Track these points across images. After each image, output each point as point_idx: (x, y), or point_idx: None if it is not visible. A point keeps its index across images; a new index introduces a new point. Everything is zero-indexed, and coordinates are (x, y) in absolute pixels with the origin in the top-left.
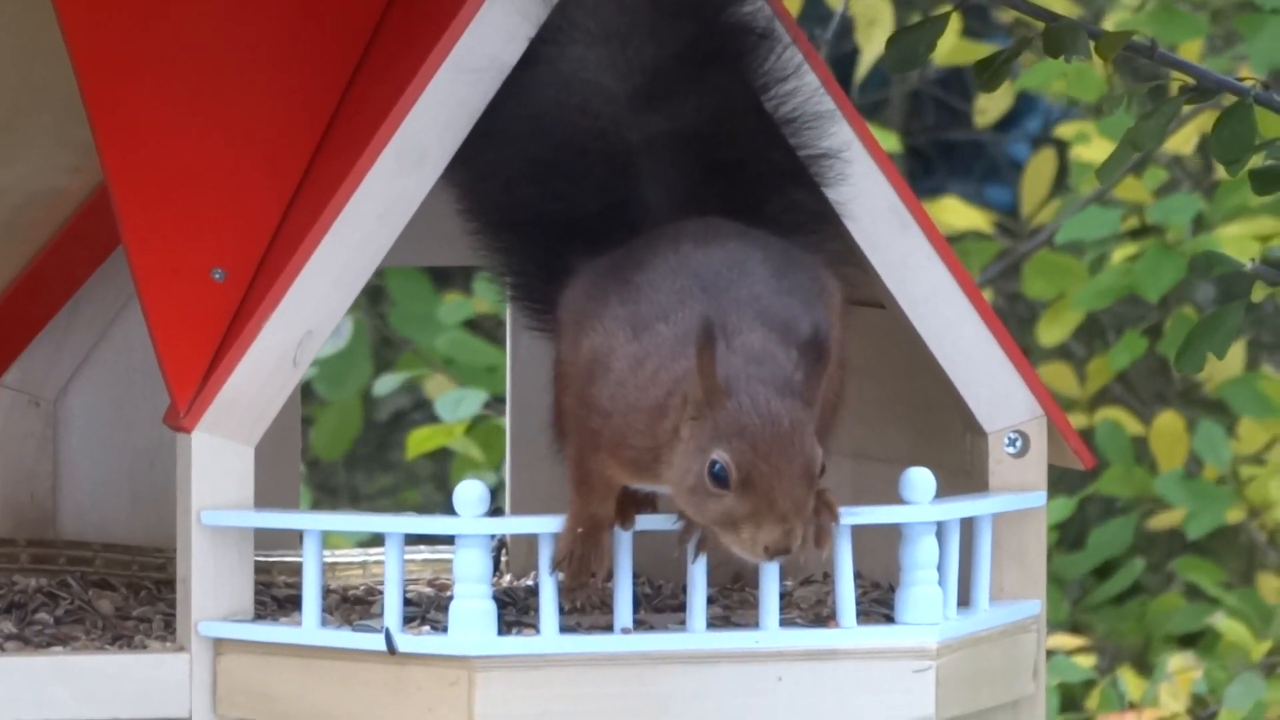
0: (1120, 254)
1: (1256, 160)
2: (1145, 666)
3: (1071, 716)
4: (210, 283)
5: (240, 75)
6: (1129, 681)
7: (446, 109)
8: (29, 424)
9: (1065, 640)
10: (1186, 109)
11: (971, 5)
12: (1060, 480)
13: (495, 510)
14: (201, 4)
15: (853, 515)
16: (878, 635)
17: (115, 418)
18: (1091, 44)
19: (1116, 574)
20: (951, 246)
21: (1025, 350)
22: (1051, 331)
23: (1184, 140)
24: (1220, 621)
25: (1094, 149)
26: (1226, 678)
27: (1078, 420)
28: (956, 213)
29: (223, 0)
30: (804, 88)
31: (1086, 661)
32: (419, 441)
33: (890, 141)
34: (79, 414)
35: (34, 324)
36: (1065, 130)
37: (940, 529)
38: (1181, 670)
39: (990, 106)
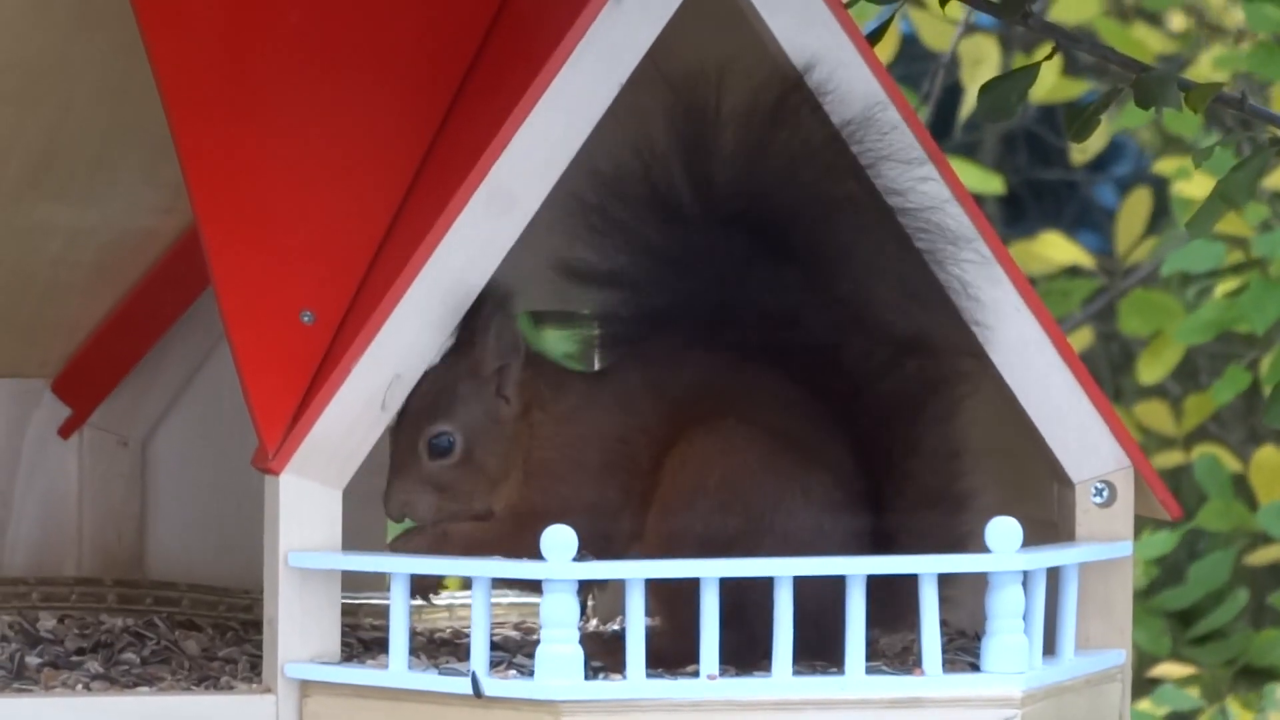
0: (1223, 288)
1: None
2: (1249, 697)
3: None
4: (299, 325)
5: (331, 116)
6: (1236, 711)
7: (538, 153)
8: (117, 464)
9: (1173, 669)
10: None
11: (1065, 47)
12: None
13: (583, 555)
14: (293, 45)
15: (939, 563)
16: (963, 683)
17: (203, 459)
18: (1182, 95)
19: (1219, 607)
20: (1051, 284)
21: (1121, 389)
22: (1152, 369)
23: None
24: None
25: (1195, 184)
26: None
27: (1174, 458)
28: (1057, 248)
29: (314, 42)
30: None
31: (1193, 691)
32: None
33: (994, 184)
34: (167, 455)
35: (123, 364)
36: (1165, 165)
37: (1026, 578)
38: None
39: (1088, 144)
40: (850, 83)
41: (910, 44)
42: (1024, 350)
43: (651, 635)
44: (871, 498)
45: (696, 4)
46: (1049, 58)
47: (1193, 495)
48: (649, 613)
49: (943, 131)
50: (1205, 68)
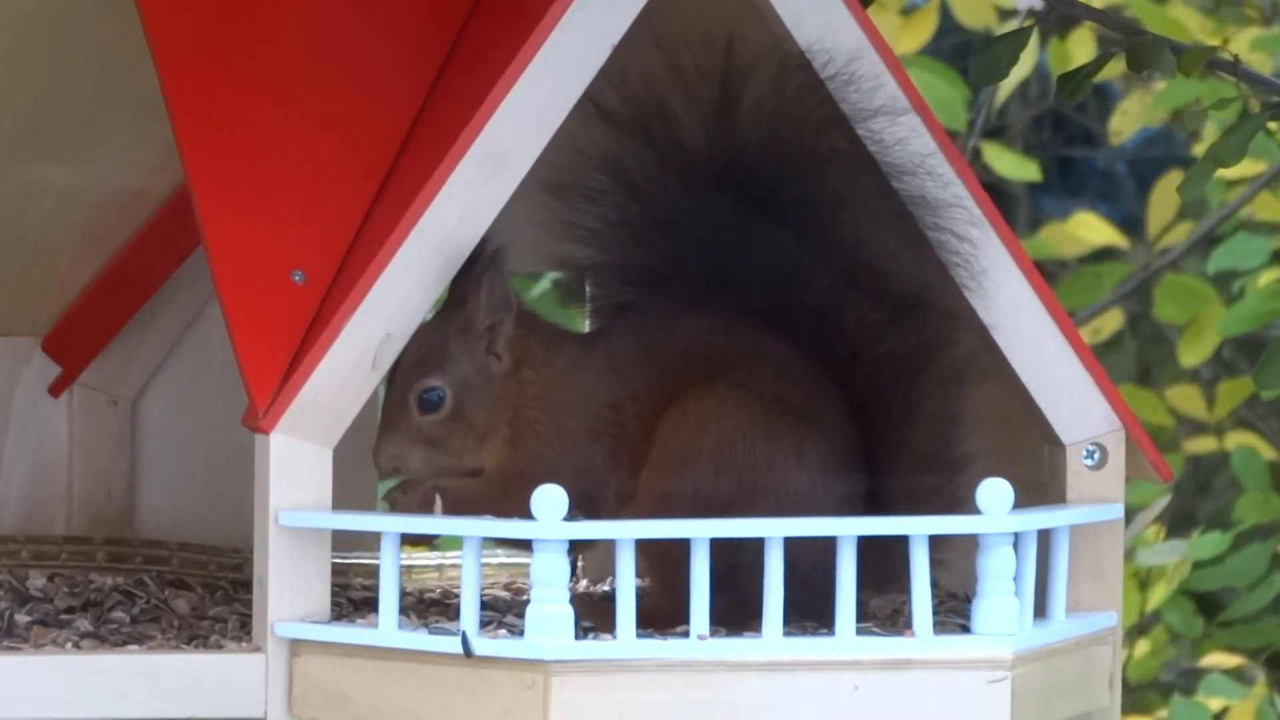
0: (1267, 277)
1: None
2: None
3: None
4: (290, 284)
5: (323, 77)
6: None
7: (530, 113)
8: (107, 423)
9: (1222, 659)
10: None
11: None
12: (1216, 516)
13: (574, 515)
14: (285, 4)
15: (930, 524)
16: (953, 645)
17: (193, 418)
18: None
19: (1251, 593)
20: (1082, 269)
21: (1151, 373)
22: (1192, 352)
23: None
24: None
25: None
26: None
27: (1206, 444)
28: (1092, 228)
29: (306, 2)
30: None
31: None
32: None
33: (1030, 170)
34: (157, 414)
35: (113, 323)
36: (1199, 150)
37: (1017, 540)
38: None
39: (1124, 127)
40: (837, 39)
41: (947, 15)
42: (1016, 312)
43: (642, 596)
44: (867, 461)
45: None
46: (1039, 23)
47: (1229, 485)
48: (640, 573)
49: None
50: (1243, 48)
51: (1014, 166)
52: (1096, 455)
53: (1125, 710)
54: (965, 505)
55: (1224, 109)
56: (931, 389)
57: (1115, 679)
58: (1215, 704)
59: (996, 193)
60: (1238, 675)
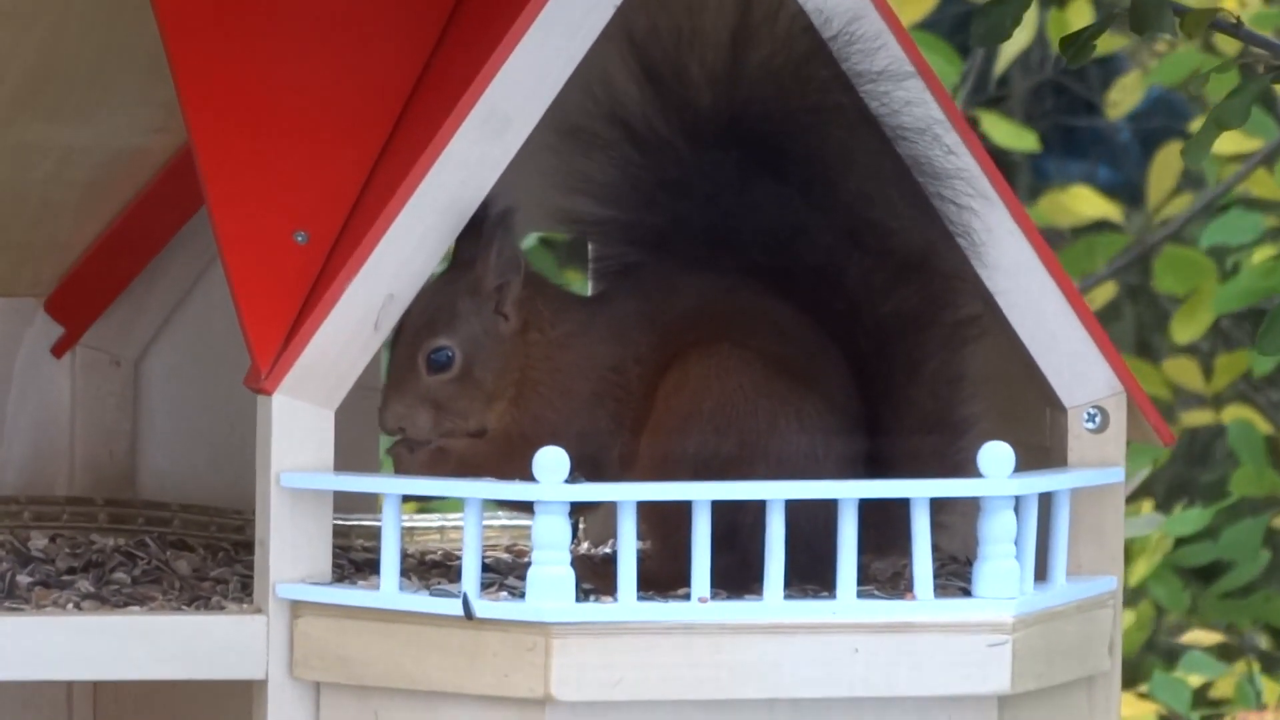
0: (1260, 254)
1: None
2: (1272, 665)
3: (1206, 712)
4: (293, 245)
5: (326, 37)
6: (1264, 679)
7: (532, 74)
8: (109, 383)
9: (1201, 636)
10: None
11: None
12: (1201, 491)
13: (575, 477)
14: None
15: (931, 487)
16: (954, 608)
17: (196, 379)
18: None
19: (1241, 566)
20: (1078, 240)
21: (1149, 345)
22: (1186, 329)
23: None
24: None
25: (1223, 140)
26: None
27: (1203, 417)
28: (1086, 201)
29: None
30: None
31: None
32: None
33: (1028, 140)
34: (160, 374)
35: (116, 284)
36: (1197, 124)
37: (1018, 503)
38: None
39: (1122, 99)
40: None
41: None
42: (1017, 274)
43: (643, 558)
44: (868, 422)
45: None
46: None
47: (1227, 457)
48: (641, 536)
49: (978, 86)
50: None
51: (1012, 136)
52: (1098, 418)
53: None
54: (967, 468)
55: (1226, 71)
56: (934, 349)
57: (1116, 643)
58: (1195, 680)
59: (996, 161)
60: (1224, 652)
